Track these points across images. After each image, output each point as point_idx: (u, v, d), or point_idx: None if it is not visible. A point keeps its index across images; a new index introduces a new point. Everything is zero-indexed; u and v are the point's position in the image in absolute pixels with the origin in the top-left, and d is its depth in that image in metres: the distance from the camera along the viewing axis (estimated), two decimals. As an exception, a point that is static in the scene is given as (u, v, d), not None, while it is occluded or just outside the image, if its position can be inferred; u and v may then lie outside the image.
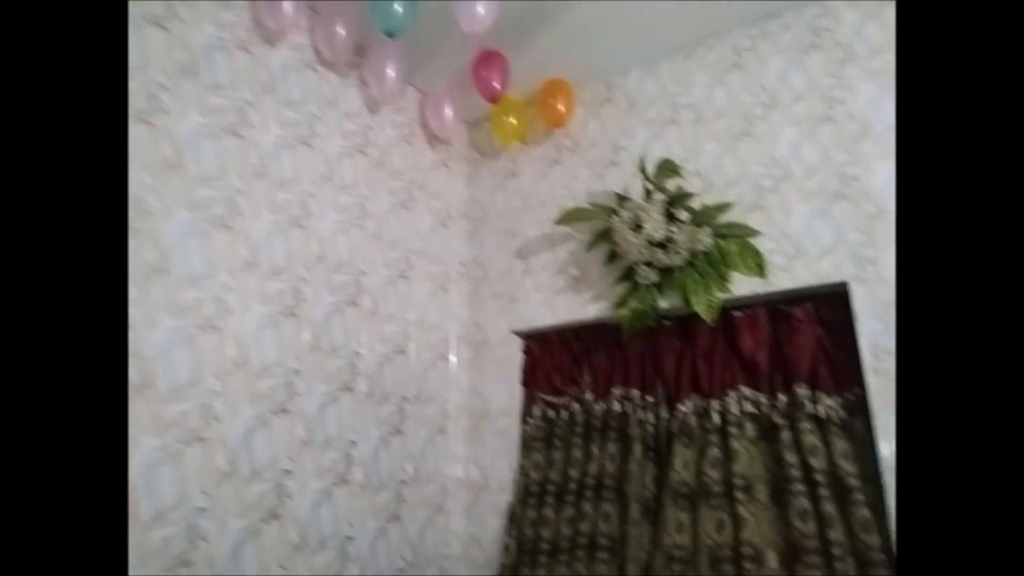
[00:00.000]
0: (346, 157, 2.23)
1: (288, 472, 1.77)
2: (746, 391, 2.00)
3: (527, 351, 2.47)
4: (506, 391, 2.43)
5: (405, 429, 2.20)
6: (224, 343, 1.68)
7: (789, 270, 2.00)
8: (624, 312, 2.17)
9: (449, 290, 2.57)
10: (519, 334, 2.48)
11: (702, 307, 2.02)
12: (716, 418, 2.00)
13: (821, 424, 1.86)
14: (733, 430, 1.96)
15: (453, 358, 2.50)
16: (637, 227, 2.13)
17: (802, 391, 1.90)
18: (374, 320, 2.19)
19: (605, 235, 2.27)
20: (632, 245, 2.13)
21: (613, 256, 2.27)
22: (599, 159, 2.49)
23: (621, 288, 2.22)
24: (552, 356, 2.39)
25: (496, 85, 2.35)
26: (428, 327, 2.42)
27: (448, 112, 2.57)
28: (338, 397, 1.98)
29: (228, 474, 1.62)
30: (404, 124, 2.53)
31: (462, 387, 2.49)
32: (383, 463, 2.08)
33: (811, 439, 1.84)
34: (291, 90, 2.07)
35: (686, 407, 2.06)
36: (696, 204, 2.16)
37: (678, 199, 2.16)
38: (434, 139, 2.64)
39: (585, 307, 2.33)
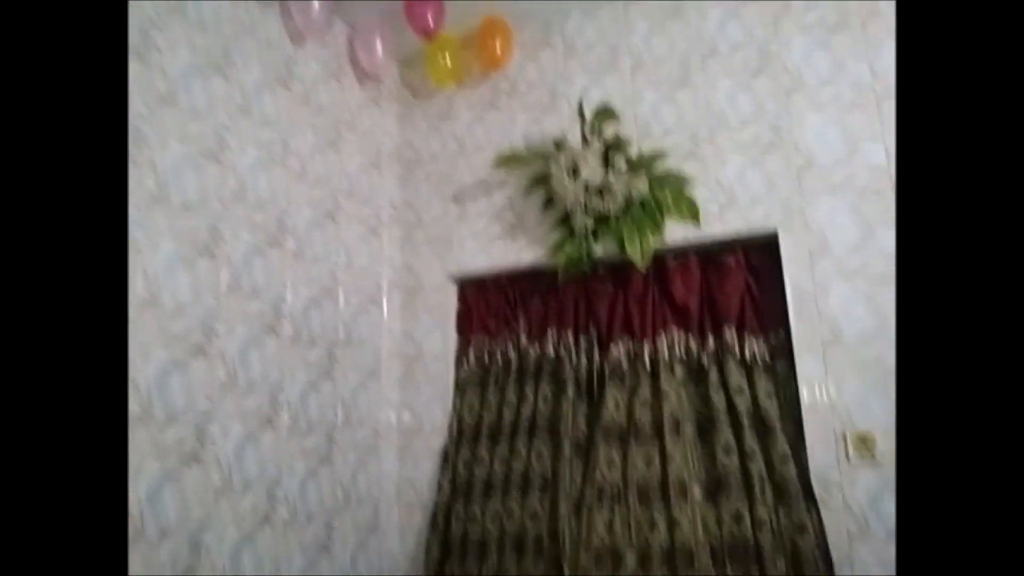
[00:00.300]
0: (266, 90, 2.07)
1: (208, 415, 1.67)
2: (677, 334, 2.06)
3: (462, 297, 2.43)
4: (440, 336, 2.39)
5: (335, 373, 2.12)
6: (132, 280, 1.54)
7: (721, 218, 2.04)
8: (560, 258, 2.16)
9: (380, 234, 2.47)
10: (453, 279, 2.44)
11: (636, 253, 2.04)
12: (647, 360, 2.05)
13: (746, 365, 1.94)
14: (663, 371, 2.01)
15: (385, 303, 2.42)
16: (574, 173, 2.12)
17: (730, 334, 1.97)
18: (299, 262, 2.08)
19: (542, 180, 2.24)
20: (569, 191, 2.11)
21: (549, 202, 2.25)
22: (536, 103, 2.44)
23: (557, 234, 2.21)
24: (487, 301, 2.36)
25: (430, 22, 2.24)
26: (358, 271, 2.33)
27: (379, 48, 2.44)
28: (262, 340, 1.87)
29: (141, 417, 1.50)
30: (331, 59, 2.38)
31: (394, 332, 2.43)
32: (312, 407, 2.00)
33: (737, 379, 1.92)
34: (203, 12, 1.88)
35: (618, 350, 2.09)
36: (633, 151, 2.16)
37: (615, 146, 2.15)
38: (364, 76, 2.51)
39: (520, 253, 2.31)
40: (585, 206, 2.10)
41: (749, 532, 1.79)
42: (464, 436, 2.23)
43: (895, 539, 1.66)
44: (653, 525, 1.90)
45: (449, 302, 2.42)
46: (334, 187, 2.28)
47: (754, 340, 1.96)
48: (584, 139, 2.19)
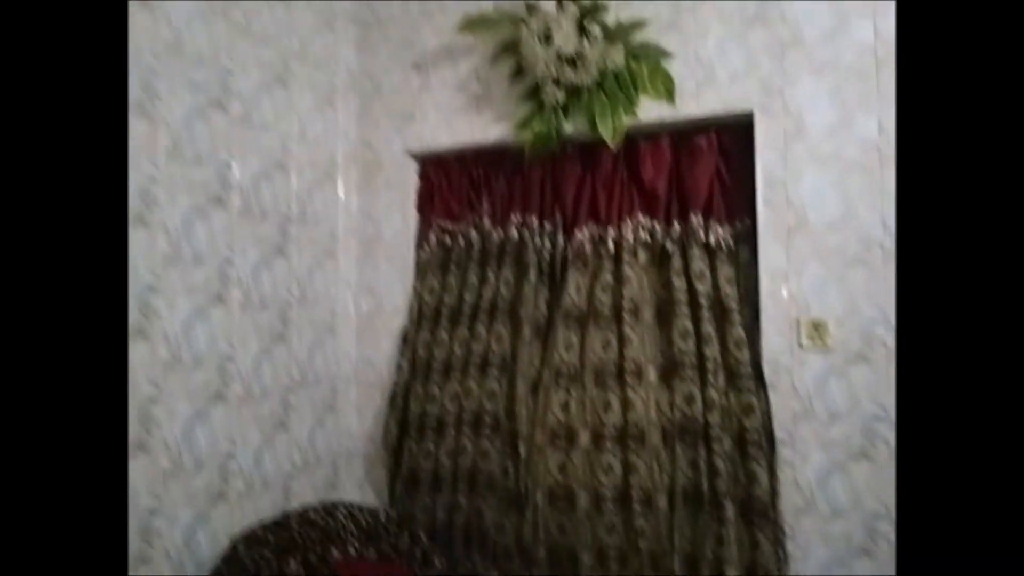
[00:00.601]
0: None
1: (152, 288, 1.58)
2: (643, 219, 2.01)
3: (423, 174, 2.31)
4: (399, 216, 2.30)
5: (289, 250, 2.03)
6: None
7: (697, 96, 1.94)
8: (527, 135, 2.05)
9: (335, 103, 2.30)
10: (414, 156, 2.31)
11: (607, 132, 1.94)
12: (611, 245, 2.01)
13: (710, 251, 1.92)
14: (627, 256, 1.99)
15: (340, 178, 2.30)
16: (546, 39, 1.95)
17: (696, 220, 1.93)
18: (247, 129, 1.92)
19: (511, 48, 2.07)
20: (540, 58, 1.96)
21: (518, 72, 2.09)
22: (508, -39, 2.21)
23: (525, 109, 2.08)
24: (449, 180, 2.26)
25: None
26: (311, 142, 2.17)
27: None
28: (207, 211, 1.76)
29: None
30: None
31: (351, 210, 2.32)
32: (265, 284, 1.93)
33: (699, 265, 1.91)
34: None
35: (583, 235, 2.04)
36: (610, 19, 2.00)
37: (592, 11, 1.98)
38: (313, -80, 2.22)
39: (486, 129, 2.18)
40: (556, 77, 1.96)
41: (699, 413, 1.85)
42: (424, 318, 2.20)
43: (894, 429, 1.73)
44: (607, 406, 1.94)
45: (409, 180, 2.31)
46: (283, 47, 2.08)
47: (719, 226, 1.92)
48: (558, 2, 2.01)
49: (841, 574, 1.76)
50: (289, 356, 2.01)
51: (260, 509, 1.87)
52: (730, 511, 1.78)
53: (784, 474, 1.80)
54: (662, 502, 1.86)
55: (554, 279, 2.08)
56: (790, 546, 1.78)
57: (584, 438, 1.95)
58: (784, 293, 1.83)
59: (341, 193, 2.29)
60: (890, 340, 1.74)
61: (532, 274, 2.07)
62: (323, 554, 1.79)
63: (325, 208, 2.22)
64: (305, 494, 2.05)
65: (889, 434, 1.74)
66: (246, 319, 1.85)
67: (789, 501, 1.80)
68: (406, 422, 2.16)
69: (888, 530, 1.73)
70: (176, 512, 1.61)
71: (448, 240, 2.24)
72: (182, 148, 1.70)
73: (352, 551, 1.87)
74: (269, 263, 1.95)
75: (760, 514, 1.76)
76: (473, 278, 2.15)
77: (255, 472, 1.86)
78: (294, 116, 2.10)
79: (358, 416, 2.30)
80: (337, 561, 1.78)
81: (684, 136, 1.98)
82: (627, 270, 1.98)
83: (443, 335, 2.14)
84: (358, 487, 2.29)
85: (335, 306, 2.24)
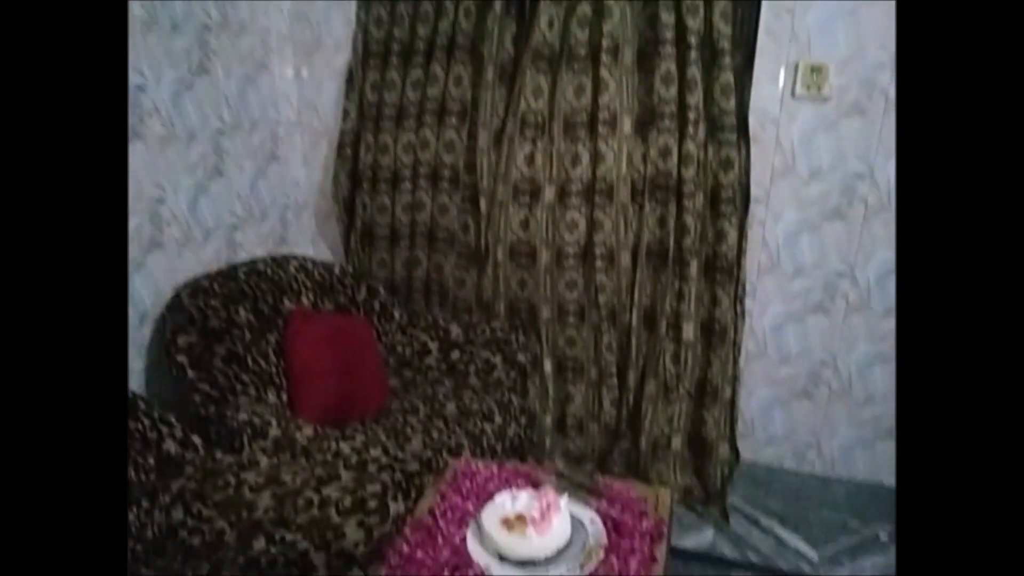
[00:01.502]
0: None
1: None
2: (632, -68, 1.67)
3: None
4: (336, -78, 1.88)
5: (199, -43, 1.65)
6: None
7: None
8: None
9: None
10: None
11: None
12: (593, -33, 1.69)
13: (707, -22, 1.63)
14: (610, -18, 1.68)
15: None
16: None
17: (696, -66, 1.60)
18: None
19: None
20: None
21: None
22: None
23: None
24: None
25: None
26: None
27: None
28: None
29: None
30: None
31: (276, -88, 1.88)
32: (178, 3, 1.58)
33: (693, -5, 1.63)
34: None
35: (560, -48, 1.70)
36: None
37: None
38: None
39: None
40: None
41: (674, 167, 1.72)
42: (371, 55, 1.91)
43: (874, 186, 1.65)
44: (576, 159, 1.79)
45: None
46: None
47: (723, -57, 1.61)
48: None
49: (794, 327, 1.80)
50: (215, 94, 1.74)
51: (203, 260, 1.76)
52: (694, 268, 1.75)
53: (753, 232, 1.74)
54: (625, 259, 1.82)
55: (523, 10, 1.78)
56: (749, 303, 1.80)
57: (549, 194, 1.83)
58: (785, 31, 1.60)
59: None
60: (892, 90, 1.57)
61: (497, 3, 1.76)
62: (275, 305, 1.74)
63: (242, -93, 1.77)
64: (252, 247, 1.94)
65: (869, 192, 1.66)
66: (154, 40, 1.54)
67: (754, 259, 1.77)
68: (357, 174, 2.00)
69: (847, 288, 1.74)
70: (105, 258, 1.48)
71: (397, -43, 1.86)
72: None
73: (306, 303, 1.82)
74: (180, -24, 1.58)
75: (724, 271, 1.74)
76: (427, 7, 1.83)
77: (191, 220, 1.71)
78: None
79: (304, 166, 2.11)
80: (291, 310, 1.74)
81: None
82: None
83: (394, 76, 1.88)
84: (310, 242, 2.19)
85: (266, 37, 1.91)
